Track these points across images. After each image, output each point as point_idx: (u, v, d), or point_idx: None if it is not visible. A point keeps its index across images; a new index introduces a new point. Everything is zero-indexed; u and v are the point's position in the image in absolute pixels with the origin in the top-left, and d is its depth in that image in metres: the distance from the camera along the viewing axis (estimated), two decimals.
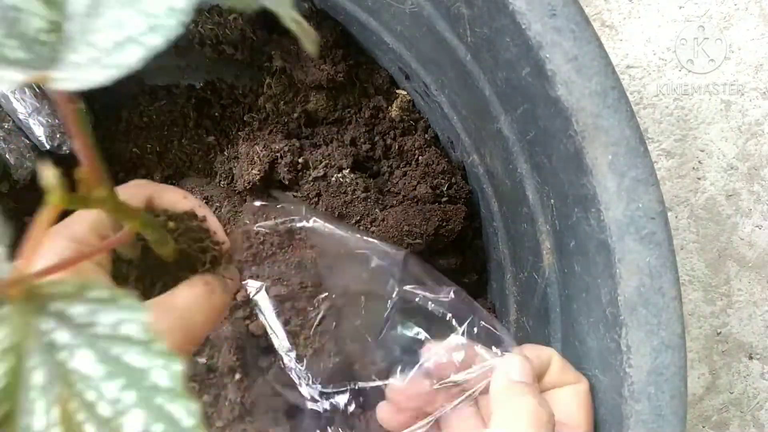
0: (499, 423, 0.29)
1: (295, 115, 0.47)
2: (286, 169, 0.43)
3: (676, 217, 0.52)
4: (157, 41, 0.17)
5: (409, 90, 0.47)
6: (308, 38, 0.20)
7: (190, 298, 0.28)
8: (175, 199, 0.30)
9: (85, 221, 0.28)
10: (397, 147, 0.47)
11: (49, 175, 0.18)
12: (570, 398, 0.31)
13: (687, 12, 0.53)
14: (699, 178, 0.52)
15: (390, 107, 0.47)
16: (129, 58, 0.17)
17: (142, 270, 0.29)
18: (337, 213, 0.43)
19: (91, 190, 0.21)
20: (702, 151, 0.52)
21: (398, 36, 0.42)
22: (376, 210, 0.43)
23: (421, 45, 0.40)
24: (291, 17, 0.20)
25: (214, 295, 0.29)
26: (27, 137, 0.43)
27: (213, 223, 0.30)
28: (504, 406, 0.30)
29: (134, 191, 0.29)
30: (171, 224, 0.29)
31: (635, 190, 0.29)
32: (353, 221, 0.43)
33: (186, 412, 0.16)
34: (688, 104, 0.52)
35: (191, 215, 0.30)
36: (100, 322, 0.17)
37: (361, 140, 0.46)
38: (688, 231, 0.52)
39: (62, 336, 0.17)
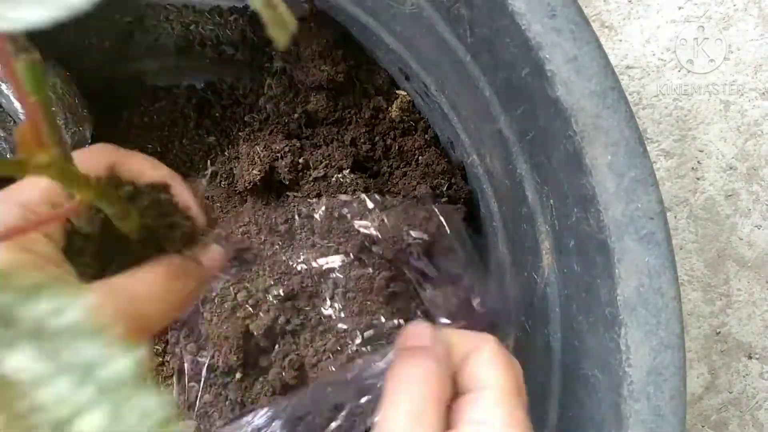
0: (387, 394, 0.26)
1: (296, 115, 0.47)
2: (286, 170, 0.43)
3: (675, 217, 0.52)
4: None
5: (409, 90, 0.47)
6: (279, 26, 0.17)
7: (146, 281, 0.25)
8: (143, 167, 0.27)
9: (37, 188, 0.24)
10: (397, 147, 0.47)
11: None
12: (475, 363, 0.27)
13: (686, 12, 0.53)
14: (698, 179, 0.52)
15: (390, 108, 0.47)
16: None
17: (100, 246, 0.26)
18: (337, 213, 0.43)
19: (32, 154, 0.17)
20: (701, 151, 0.52)
21: (398, 37, 0.42)
22: (376, 210, 0.43)
23: (421, 46, 0.40)
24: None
25: (177, 280, 0.25)
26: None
27: (184, 196, 0.27)
28: (392, 376, 0.27)
29: (96, 157, 0.26)
30: (132, 194, 0.25)
31: (634, 191, 0.29)
32: (353, 221, 0.43)
33: (156, 402, 0.14)
34: (687, 104, 0.52)
35: (160, 187, 0.26)
36: (34, 312, 0.15)
37: (361, 140, 0.46)
38: (687, 231, 0.52)
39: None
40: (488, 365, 0.27)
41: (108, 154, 0.26)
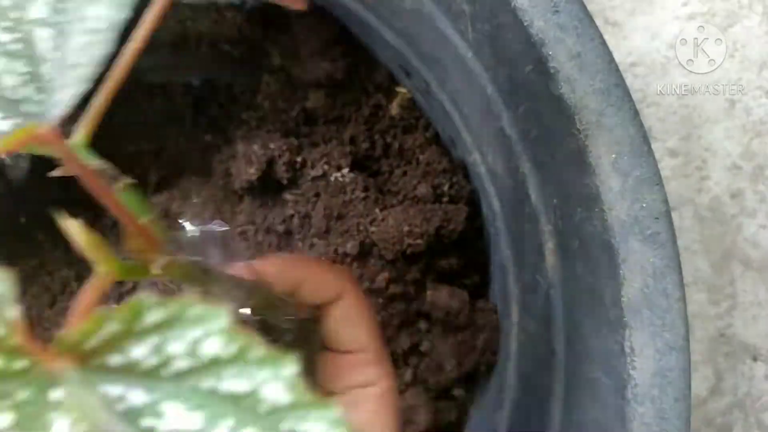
0: None
1: (294, 113, 0.46)
2: (284, 168, 0.43)
3: (680, 217, 0.51)
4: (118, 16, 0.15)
5: (410, 88, 0.46)
6: None
7: None
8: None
9: None
10: (397, 146, 0.46)
11: (80, 235, 0.15)
12: (342, 320, 0.30)
13: (691, 9, 0.52)
14: (703, 178, 0.52)
15: (390, 105, 0.47)
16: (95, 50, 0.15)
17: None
18: (336, 212, 0.42)
19: (148, 259, 0.19)
20: (706, 150, 0.52)
21: (398, 33, 0.41)
22: (376, 210, 0.43)
23: (421, 42, 0.40)
24: None
25: None
26: None
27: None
28: None
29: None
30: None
31: (639, 190, 0.29)
32: (352, 221, 0.42)
33: (327, 422, 0.12)
34: (692, 103, 0.52)
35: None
36: (170, 352, 0.13)
37: (361, 139, 0.46)
38: (692, 231, 0.51)
39: (136, 396, 0.13)
40: (355, 324, 0.29)
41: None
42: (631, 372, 0.29)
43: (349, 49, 0.46)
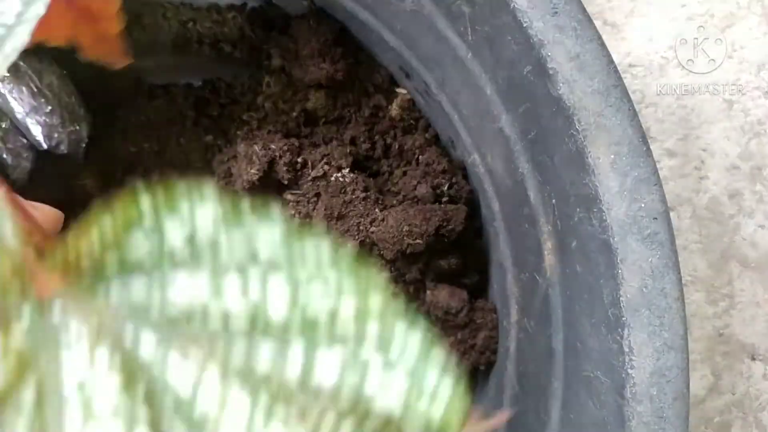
0: None
1: (294, 114, 0.46)
2: (285, 169, 0.43)
3: (679, 217, 0.51)
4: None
5: (410, 89, 0.47)
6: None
7: None
8: None
9: None
10: (397, 146, 0.46)
11: None
12: None
13: (689, 11, 0.52)
14: (701, 178, 0.52)
15: (390, 106, 0.47)
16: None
17: None
18: (336, 213, 0.43)
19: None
20: (704, 150, 0.52)
21: (398, 34, 0.41)
22: (376, 210, 0.43)
23: (421, 43, 0.40)
24: None
25: None
26: (24, 136, 0.43)
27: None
28: None
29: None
30: None
31: (638, 190, 0.29)
32: (353, 221, 0.43)
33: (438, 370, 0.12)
34: (690, 103, 0.52)
35: None
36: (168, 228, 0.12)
37: (361, 139, 0.46)
38: (690, 231, 0.51)
39: (147, 341, 0.12)
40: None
41: None
42: (630, 371, 0.29)
43: (350, 50, 0.46)
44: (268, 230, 0.13)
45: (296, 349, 0.12)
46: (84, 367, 0.12)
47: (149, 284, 0.13)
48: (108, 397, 0.12)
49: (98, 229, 0.13)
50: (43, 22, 0.27)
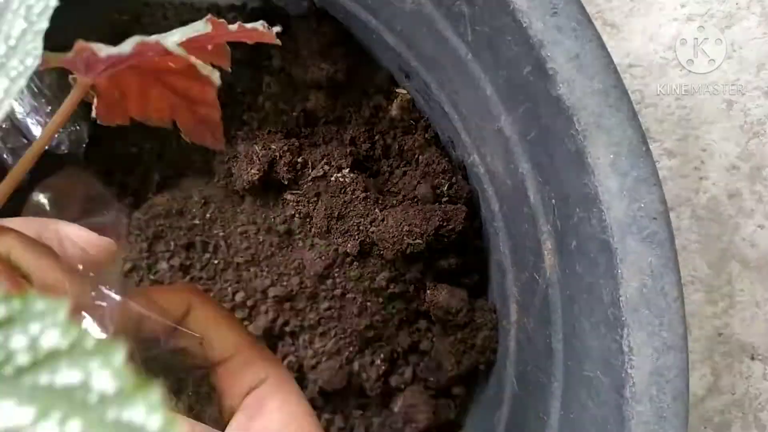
0: None
1: (295, 114, 0.46)
2: (285, 169, 0.43)
3: (678, 217, 0.51)
4: None
5: (410, 89, 0.47)
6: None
7: None
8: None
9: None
10: (397, 146, 0.46)
11: None
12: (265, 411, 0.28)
13: (688, 11, 0.52)
14: (701, 178, 0.52)
15: (390, 106, 0.47)
16: None
17: None
18: (336, 213, 0.43)
19: None
20: (704, 150, 0.52)
21: (398, 34, 0.41)
22: (376, 210, 0.43)
23: (421, 44, 0.40)
24: None
25: None
26: (25, 137, 0.43)
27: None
28: None
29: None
30: None
31: (637, 190, 0.29)
32: (353, 221, 0.43)
33: (145, 409, 0.12)
34: (689, 103, 0.52)
35: None
36: (13, 347, 0.13)
37: (361, 139, 0.46)
38: (690, 231, 0.52)
39: None
40: (216, 329, 0.28)
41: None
42: (630, 371, 0.29)
43: (350, 50, 0.46)
44: (103, 380, 0.13)
45: None
46: None
47: None
48: None
49: None
50: (143, 102, 0.27)
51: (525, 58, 0.30)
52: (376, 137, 0.47)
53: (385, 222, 0.42)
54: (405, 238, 0.41)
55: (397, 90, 0.47)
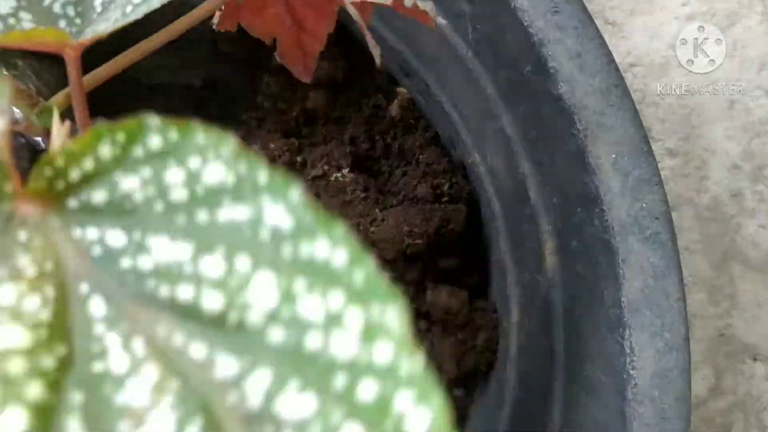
0: None
1: (294, 113, 0.46)
2: (284, 168, 0.43)
3: (680, 217, 0.51)
4: None
5: (410, 88, 0.46)
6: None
7: None
8: None
9: None
10: (397, 146, 0.46)
11: None
12: None
13: (690, 9, 0.52)
14: (703, 178, 0.52)
15: (390, 106, 0.47)
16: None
17: None
18: (336, 213, 0.42)
19: None
20: (706, 150, 0.52)
21: (398, 33, 0.41)
22: (376, 210, 0.43)
23: (421, 43, 0.40)
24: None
25: None
26: (23, 136, 0.43)
27: None
28: None
29: None
30: None
31: (639, 190, 0.29)
32: (352, 221, 0.42)
33: (329, 243, 0.11)
34: (691, 103, 0.52)
35: None
36: (167, 182, 0.12)
37: (361, 139, 0.46)
38: (692, 231, 0.51)
39: (115, 238, 0.12)
40: None
41: None
42: (631, 372, 0.29)
43: (350, 49, 0.46)
44: (276, 216, 0.11)
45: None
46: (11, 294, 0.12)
47: (128, 240, 0.12)
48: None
49: (93, 159, 0.12)
50: (258, 14, 0.29)
51: (526, 57, 0.30)
52: (376, 137, 0.47)
53: (385, 222, 0.42)
54: (405, 238, 0.41)
55: (397, 89, 0.47)
